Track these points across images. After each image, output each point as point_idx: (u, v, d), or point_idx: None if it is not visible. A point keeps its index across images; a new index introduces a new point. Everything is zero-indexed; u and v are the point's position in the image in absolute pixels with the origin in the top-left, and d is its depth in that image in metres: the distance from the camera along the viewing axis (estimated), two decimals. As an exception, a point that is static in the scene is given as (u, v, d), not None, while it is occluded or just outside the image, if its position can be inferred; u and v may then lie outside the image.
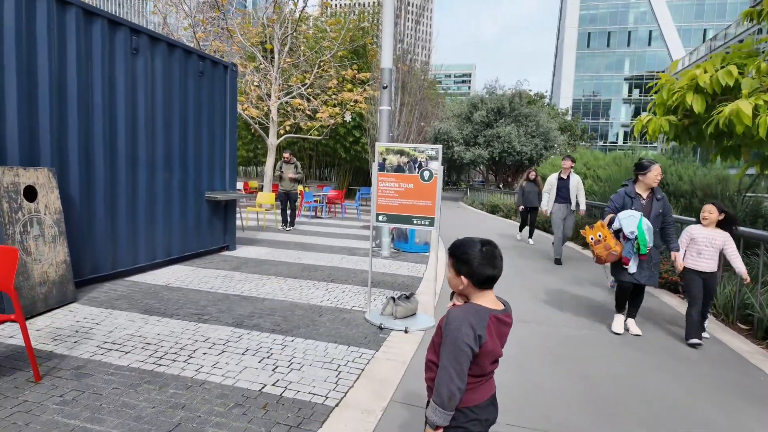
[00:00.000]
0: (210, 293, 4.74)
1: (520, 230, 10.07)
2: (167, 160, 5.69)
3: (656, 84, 5.40)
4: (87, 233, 4.65)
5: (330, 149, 19.22)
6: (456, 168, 40.75)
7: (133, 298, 4.42)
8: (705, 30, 68.70)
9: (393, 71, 7.77)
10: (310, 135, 15.73)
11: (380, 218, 4.10)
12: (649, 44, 72.51)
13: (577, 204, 7.25)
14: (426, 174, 3.92)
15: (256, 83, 14.13)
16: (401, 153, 3.96)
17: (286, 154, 9.71)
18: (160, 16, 14.70)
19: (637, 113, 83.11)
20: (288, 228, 9.84)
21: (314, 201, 12.84)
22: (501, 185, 28.29)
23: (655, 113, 5.52)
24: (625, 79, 76.62)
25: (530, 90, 27.04)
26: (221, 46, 14.84)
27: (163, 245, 5.71)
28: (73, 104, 4.44)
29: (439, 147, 3.88)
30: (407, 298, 4.25)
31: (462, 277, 1.49)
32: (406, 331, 3.83)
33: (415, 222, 3.99)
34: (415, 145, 3.94)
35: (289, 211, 9.89)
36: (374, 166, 4.04)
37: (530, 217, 9.54)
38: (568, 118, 41.64)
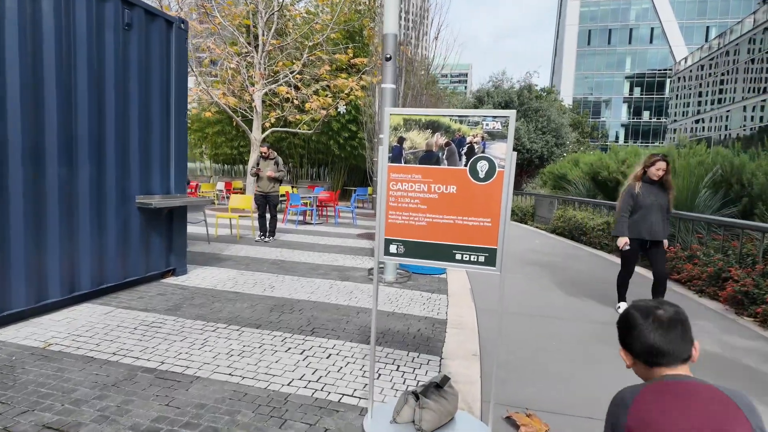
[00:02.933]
0: (107, 365, 2.85)
1: (621, 295, 4.60)
2: (67, 148, 3.79)
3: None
4: None
5: (322, 146, 17.31)
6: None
7: (-41, 385, 2.53)
8: (708, 27, 67.61)
9: (397, 38, 5.95)
10: (300, 129, 13.82)
11: (393, 248, 2.22)
12: (651, 42, 71.54)
13: None
14: (482, 167, 2.05)
15: (233, 66, 12.21)
16: (434, 127, 2.09)
17: (263, 148, 7.82)
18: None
19: (637, 113, 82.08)
20: (267, 239, 7.95)
21: (302, 204, 10.95)
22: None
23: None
24: (626, 78, 75.73)
25: (536, 86, 25.27)
26: (199, 28, 12.94)
27: (63, 276, 3.81)
28: None
29: (511, 114, 2.01)
30: (438, 387, 2.39)
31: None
32: (445, 475, 1.97)
33: (458, 257, 2.13)
34: (462, 111, 2.07)
35: (268, 217, 8.00)
36: (381, 153, 2.17)
37: (653, 263, 4.26)
38: (575, 114, 39.98)
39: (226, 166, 22.56)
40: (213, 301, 4.29)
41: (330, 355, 3.19)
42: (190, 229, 8.39)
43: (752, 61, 37.46)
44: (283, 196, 11.64)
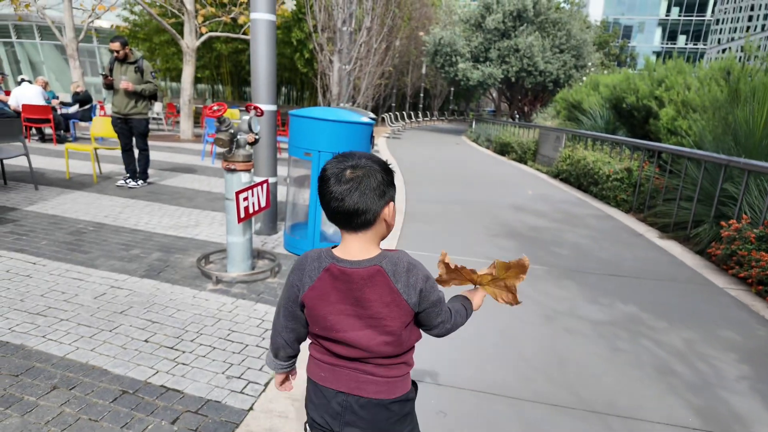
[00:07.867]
0: None
1: None
2: None
3: None
4: None
5: (287, 61, 14.24)
6: (463, 93, 35.24)
7: None
8: (768, -66, 59.04)
9: None
10: (246, 34, 10.89)
11: None
12: (699, -50, 63.17)
13: None
14: None
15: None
16: None
17: (115, 44, 5.15)
18: None
19: (672, 37, 74.73)
20: (133, 184, 5.57)
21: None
22: (517, 116, 23.23)
23: None
24: (666, -5, 68.16)
25: (558, -3, 20.97)
26: None
27: None
28: None
29: None
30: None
31: None
32: None
33: None
34: None
35: (137, 154, 5.58)
36: None
37: None
38: (602, 32, 35.06)
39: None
40: None
41: None
42: (14, 164, 5.98)
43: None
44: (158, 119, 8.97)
